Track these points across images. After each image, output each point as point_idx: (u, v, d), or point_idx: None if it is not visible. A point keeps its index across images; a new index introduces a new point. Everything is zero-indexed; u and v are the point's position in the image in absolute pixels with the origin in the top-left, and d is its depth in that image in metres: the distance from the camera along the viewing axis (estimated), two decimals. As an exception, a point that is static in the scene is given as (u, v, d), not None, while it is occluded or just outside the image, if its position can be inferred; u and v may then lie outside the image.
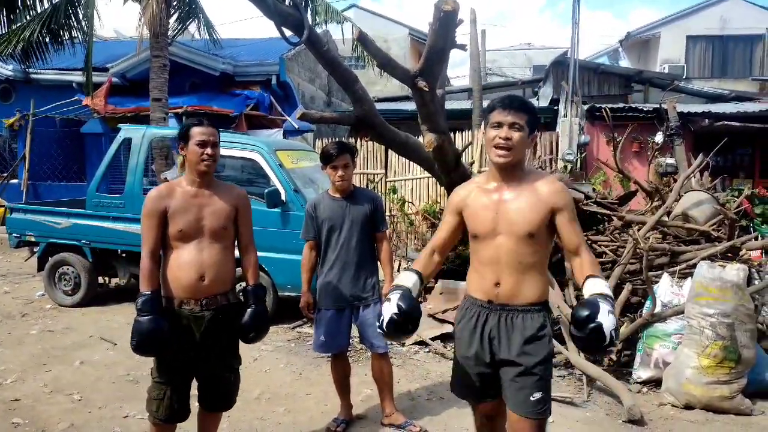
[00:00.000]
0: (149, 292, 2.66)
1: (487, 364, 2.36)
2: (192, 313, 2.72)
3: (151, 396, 2.79)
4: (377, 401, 3.82)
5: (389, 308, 2.29)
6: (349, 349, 4.20)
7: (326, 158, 3.52)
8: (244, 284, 2.98)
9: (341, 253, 3.57)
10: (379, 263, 3.74)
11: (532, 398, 2.26)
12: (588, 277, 2.22)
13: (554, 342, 4.75)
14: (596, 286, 2.17)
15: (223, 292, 2.81)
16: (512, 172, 2.30)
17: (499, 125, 2.23)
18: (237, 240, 2.95)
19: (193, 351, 2.75)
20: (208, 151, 2.73)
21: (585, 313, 2.07)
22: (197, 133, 2.74)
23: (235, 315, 2.85)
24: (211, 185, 2.84)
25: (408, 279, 2.43)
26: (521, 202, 2.26)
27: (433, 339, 5.24)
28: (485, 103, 11.28)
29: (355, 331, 3.72)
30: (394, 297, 2.31)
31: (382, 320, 2.30)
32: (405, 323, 2.28)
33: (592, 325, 2.04)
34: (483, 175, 2.46)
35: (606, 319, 2.03)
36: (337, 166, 3.50)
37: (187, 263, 2.71)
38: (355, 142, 10.37)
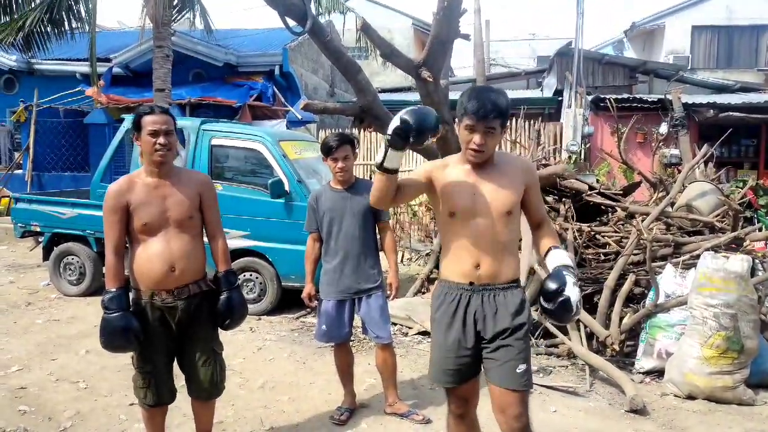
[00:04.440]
0: (115, 289, 2.65)
1: (468, 347, 2.38)
2: (165, 303, 2.71)
3: (137, 384, 2.82)
4: (381, 390, 3.84)
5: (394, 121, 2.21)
6: (352, 339, 4.22)
7: (326, 150, 3.52)
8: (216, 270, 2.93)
9: (343, 245, 3.57)
10: (382, 253, 3.75)
11: (517, 370, 2.32)
12: (551, 248, 2.39)
13: (555, 331, 4.79)
14: (559, 258, 2.35)
15: (195, 281, 2.79)
16: (486, 160, 2.37)
17: (473, 130, 2.25)
18: (204, 226, 2.89)
19: (170, 340, 2.78)
20: (161, 140, 2.66)
21: (553, 286, 2.25)
22: (149, 122, 2.68)
23: (210, 302, 2.84)
24: (171, 174, 2.79)
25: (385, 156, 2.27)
26: (498, 182, 2.33)
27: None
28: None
29: (357, 321, 3.74)
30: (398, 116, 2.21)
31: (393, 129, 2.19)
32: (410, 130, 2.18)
33: (561, 298, 2.22)
34: (456, 156, 2.47)
35: (573, 291, 2.22)
36: (338, 158, 3.51)
37: (156, 255, 2.68)
38: (359, 132, 10.36)
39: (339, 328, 3.61)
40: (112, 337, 2.64)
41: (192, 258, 2.77)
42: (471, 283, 2.37)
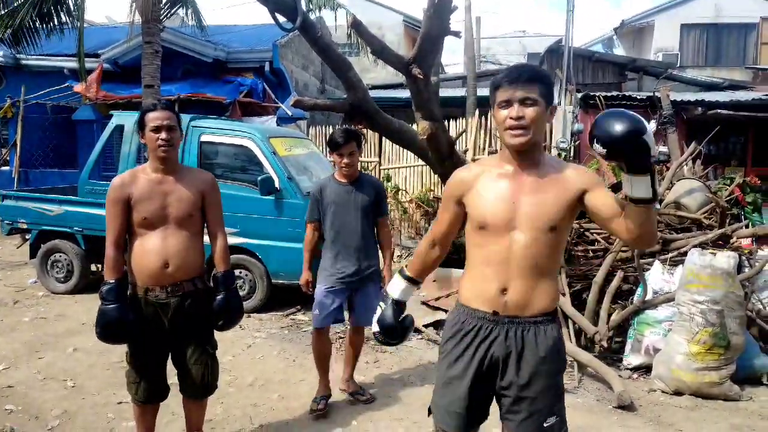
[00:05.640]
0: (113, 281, 2.66)
1: (479, 387, 2.01)
2: (158, 300, 2.72)
3: (129, 380, 2.84)
4: (368, 387, 3.85)
5: (374, 324, 2.32)
6: (344, 327, 4.25)
7: (333, 145, 3.60)
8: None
9: (344, 237, 3.66)
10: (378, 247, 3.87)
11: (546, 424, 1.95)
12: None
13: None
14: None
15: (190, 279, 2.78)
16: (531, 154, 1.94)
17: (508, 103, 1.88)
18: (206, 225, 2.90)
19: (164, 336, 2.77)
20: (163, 135, 2.68)
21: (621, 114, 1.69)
22: (151, 118, 2.70)
23: (205, 301, 2.83)
24: (175, 171, 2.79)
25: (396, 287, 2.29)
26: (545, 190, 1.92)
27: (426, 326, 5.27)
28: (479, 91, 11.27)
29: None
30: (378, 312, 2.31)
31: (373, 332, 2.36)
32: (387, 339, 2.30)
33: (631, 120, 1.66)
34: (493, 157, 2.08)
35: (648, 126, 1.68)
36: (343, 154, 3.59)
37: (151, 251, 2.69)
38: (349, 129, 10.34)
39: (332, 312, 3.69)
40: (107, 329, 2.64)
41: (188, 256, 2.76)
42: (495, 313, 1.96)
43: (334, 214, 3.66)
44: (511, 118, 1.87)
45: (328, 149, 3.71)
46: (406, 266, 2.33)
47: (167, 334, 2.77)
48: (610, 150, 1.69)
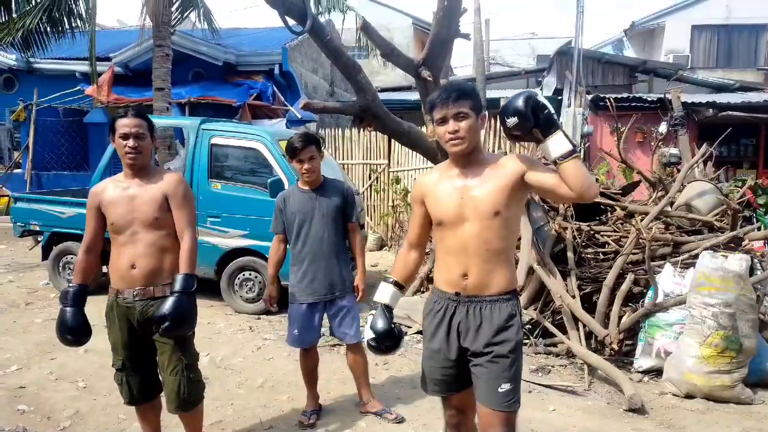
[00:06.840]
0: (76, 285, 2.76)
1: (451, 359, 2.33)
2: (125, 302, 2.75)
3: (115, 382, 2.90)
4: (348, 391, 3.90)
5: (367, 331, 2.45)
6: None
7: (291, 151, 3.45)
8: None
9: (312, 246, 3.53)
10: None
11: (500, 389, 2.22)
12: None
13: (554, 330, 4.79)
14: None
15: (160, 284, 2.75)
16: (472, 156, 2.28)
17: (444, 120, 2.22)
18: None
19: (138, 340, 2.80)
20: (130, 143, 2.70)
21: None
22: (120, 125, 2.72)
23: None
24: (144, 175, 2.80)
25: (385, 294, 2.50)
26: (486, 182, 2.24)
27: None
28: (489, 93, 11.26)
29: (325, 322, 3.71)
30: (369, 320, 2.46)
31: (366, 341, 2.47)
32: (382, 345, 2.43)
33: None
34: (445, 162, 2.42)
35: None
36: (303, 160, 3.43)
37: (121, 254, 2.75)
38: (359, 132, 10.35)
39: (311, 332, 3.57)
40: (59, 331, 2.78)
41: (157, 260, 2.75)
42: (457, 293, 2.30)
43: (299, 224, 3.52)
44: (449, 132, 2.22)
45: (288, 156, 3.55)
46: (387, 272, 2.45)
47: (139, 338, 2.80)
48: (519, 117, 2.06)
